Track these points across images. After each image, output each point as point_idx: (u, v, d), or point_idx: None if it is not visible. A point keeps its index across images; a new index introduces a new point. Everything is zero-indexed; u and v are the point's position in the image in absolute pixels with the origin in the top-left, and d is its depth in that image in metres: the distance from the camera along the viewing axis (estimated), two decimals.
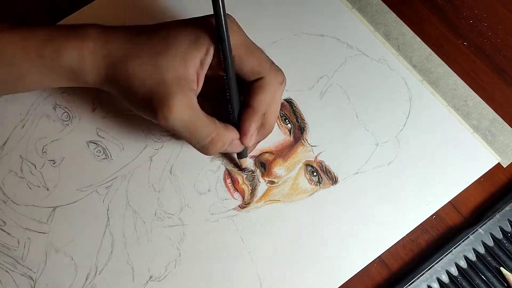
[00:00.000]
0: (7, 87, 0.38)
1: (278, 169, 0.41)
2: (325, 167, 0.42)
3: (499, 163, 0.43)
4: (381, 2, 0.47)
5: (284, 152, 0.42)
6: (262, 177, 0.41)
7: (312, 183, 0.41)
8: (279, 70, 0.37)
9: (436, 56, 0.46)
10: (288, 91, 0.43)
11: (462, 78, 0.45)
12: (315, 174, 0.42)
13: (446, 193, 0.41)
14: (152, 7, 0.46)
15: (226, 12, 0.34)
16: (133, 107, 0.36)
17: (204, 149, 0.36)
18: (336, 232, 0.40)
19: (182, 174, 0.41)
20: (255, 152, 0.42)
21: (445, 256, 0.39)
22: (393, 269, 0.40)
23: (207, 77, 0.36)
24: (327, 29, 0.46)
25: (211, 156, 0.41)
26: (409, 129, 0.43)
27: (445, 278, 0.39)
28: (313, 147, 0.42)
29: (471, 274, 0.39)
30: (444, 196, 0.41)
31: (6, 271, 0.38)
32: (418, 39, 0.46)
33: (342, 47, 0.45)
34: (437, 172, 0.42)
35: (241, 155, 0.40)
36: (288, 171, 0.41)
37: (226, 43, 0.34)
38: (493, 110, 0.44)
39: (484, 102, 0.44)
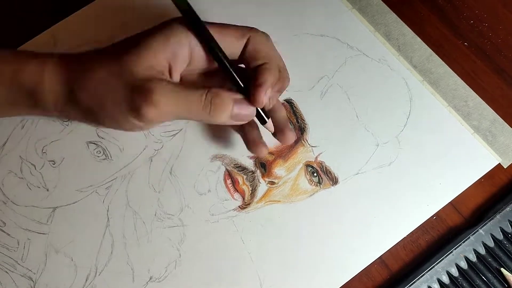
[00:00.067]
0: None
1: (279, 170, 0.41)
2: (325, 167, 0.42)
3: (499, 163, 0.43)
4: (382, 2, 0.47)
5: (284, 152, 0.42)
6: (262, 177, 0.41)
7: (313, 184, 0.41)
8: (257, 29, 0.35)
9: (437, 56, 0.46)
10: (288, 91, 0.43)
11: (462, 79, 0.45)
12: (315, 174, 0.41)
13: (446, 193, 0.41)
14: (152, 7, 0.46)
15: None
16: (105, 122, 0.33)
17: (211, 116, 0.33)
18: (336, 232, 0.40)
19: (182, 175, 0.41)
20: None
21: (446, 257, 0.39)
22: (394, 269, 0.40)
23: (200, 78, 0.35)
24: (327, 29, 0.46)
25: (211, 157, 0.41)
26: (409, 129, 0.43)
27: (445, 279, 0.39)
28: (313, 148, 0.42)
29: (471, 275, 0.39)
30: (445, 197, 0.41)
31: (6, 272, 0.38)
32: (418, 39, 0.46)
33: (342, 47, 0.45)
34: (438, 172, 0.42)
35: (263, 119, 0.36)
36: (289, 172, 0.41)
37: (202, 24, 0.33)
38: (493, 111, 0.44)
39: (484, 102, 0.44)
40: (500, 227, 0.40)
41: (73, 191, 0.40)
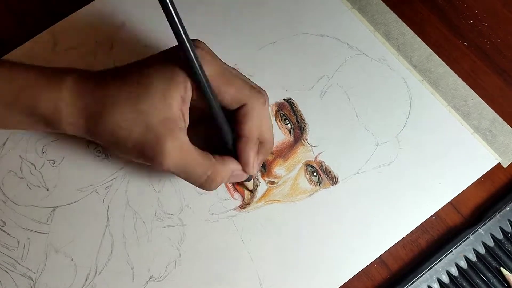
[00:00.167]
0: None
1: (278, 169, 0.41)
2: (325, 167, 0.42)
3: (499, 163, 0.43)
4: (381, 2, 0.47)
5: (284, 152, 0.42)
6: (262, 177, 0.41)
7: (312, 183, 0.41)
8: (259, 91, 0.35)
9: (436, 56, 0.46)
10: (288, 91, 0.43)
11: (462, 78, 0.45)
12: (315, 174, 0.41)
13: (446, 193, 0.41)
14: (152, 7, 0.46)
15: (199, 40, 0.33)
16: (126, 156, 0.35)
17: (203, 187, 0.35)
18: (336, 232, 0.40)
19: None
20: None
21: (445, 256, 0.39)
22: (393, 269, 0.40)
23: (193, 106, 0.35)
24: (327, 29, 0.46)
25: None
26: (409, 129, 0.43)
27: (445, 279, 0.39)
28: (313, 147, 0.42)
29: (471, 274, 0.39)
30: (444, 196, 0.41)
31: (6, 271, 0.38)
32: (418, 39, 0.46)
33: (342, 47, 0.45)
34: (437, 172, 0.42)
35: (247, 179, 0.39)
36: (288, 171, 0.41)
37: (201, 77, 0.32)
38: (493, 110, 0.44)
39: (484, 102, 0.44)
40: (500, 227, 0.40)
41: (73, 191, 0.40)
